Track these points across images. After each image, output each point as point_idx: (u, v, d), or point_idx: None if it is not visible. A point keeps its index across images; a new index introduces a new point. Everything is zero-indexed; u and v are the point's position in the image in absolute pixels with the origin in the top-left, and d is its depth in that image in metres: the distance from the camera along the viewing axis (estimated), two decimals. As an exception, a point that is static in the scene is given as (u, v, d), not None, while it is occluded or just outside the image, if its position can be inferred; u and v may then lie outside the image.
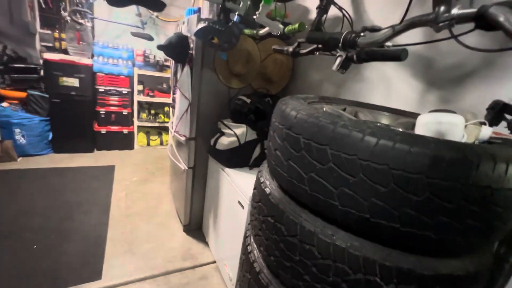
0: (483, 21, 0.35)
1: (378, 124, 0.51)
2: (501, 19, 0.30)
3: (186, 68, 1.56)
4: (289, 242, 0.64)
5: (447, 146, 0.46)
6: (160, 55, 3.45)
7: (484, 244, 0.55)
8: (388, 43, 0.56)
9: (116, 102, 3.20)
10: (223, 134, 1.52)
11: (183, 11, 1.86)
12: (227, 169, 1.49)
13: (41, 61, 2.84)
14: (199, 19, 1.45)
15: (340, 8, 1.04)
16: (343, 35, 0.58)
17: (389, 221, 0.50)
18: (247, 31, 1.38)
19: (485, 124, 0.63)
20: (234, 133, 1.46)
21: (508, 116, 0.68)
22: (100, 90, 3.07)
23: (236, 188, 1.36)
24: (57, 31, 3.00)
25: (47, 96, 2.79)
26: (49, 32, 2.97)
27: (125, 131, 3.34)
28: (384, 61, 0.56)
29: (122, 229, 1.91)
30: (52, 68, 2.76)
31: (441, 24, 0.43)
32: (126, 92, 3.22)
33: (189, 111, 1.61)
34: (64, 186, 2.34)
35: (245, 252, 0.89)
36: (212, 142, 1.57)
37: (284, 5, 1.61)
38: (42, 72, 2.81)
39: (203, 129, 1.68)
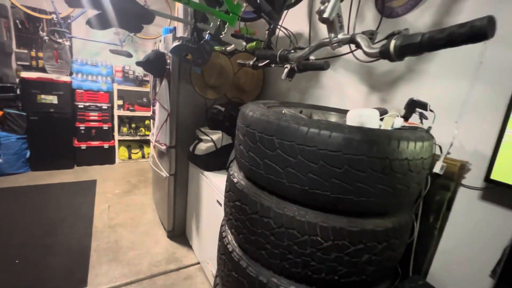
0: (354, 42, 0.53)
1: (310, 118, 0.67)
2: (359, 39, 0.48)
3: (164, 82, 1.70)
4: (252, 218, 0.78)
5: (356, 130, 0.63)
6: (139, 71, 3.55)
7: (398, 205, 0.72)
8: (312, 57, 0.74)
9: (96, 118, 3.24)
10: (201, 140, 1.65)
11: (160, 29, 2.00)
12: (206, 173, 1.62)
13: (17, 80, 2.86)
14: (175, 38, 1.60)
15: (286, 30, 1.24)
16: (279, 52, 0.76)
17: (322, 190, 0.66)
18: (217, 48, 1.54)
19: (398, 116, 0.82)
20: (211, 139, 1.60)
21: (418, 110, 0.88)
22: (79, 106, 3.11)
23: (215, 188, 1.49)
24: (34, 50, 3.03)
25: (25, 114, 2.79)
26: (25, 51, 3.00)
27: (106, 145, 3.37)
28: (314, 70, 0.73)
29: (106, 239, 1.95)
30: (29, 86, 2.78)
31: (333, 45, 0.60)
32: (106, 107, 3.27)
33: (168, 121, 1.74)
34: (46, 203, 2.34)
35: (220, 239, 1.01)
36: (191, 148, 1.69)
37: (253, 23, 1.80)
38: (18, 91, 2.82)
39: (182, 138, 1.80)
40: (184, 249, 1.93)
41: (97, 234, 1.99)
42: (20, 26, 2.91)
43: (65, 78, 2.96)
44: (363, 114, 0.74)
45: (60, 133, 3.01)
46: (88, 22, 0.91)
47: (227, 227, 1.00)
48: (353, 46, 0.58)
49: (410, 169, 0.67)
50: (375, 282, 0.79)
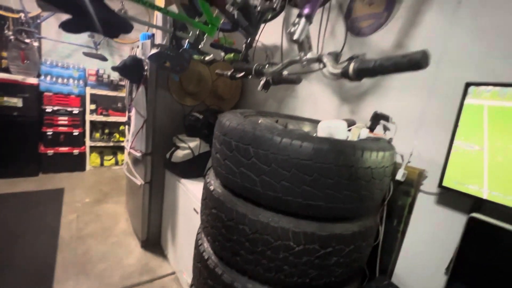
0: (321, 62, 0.58)
1: (285, 127, 0.71)
2: (325, 60, 0.54)
3: (141, 88, 1.68)
4: (228, 226, 0.79)
5: (325, 141, 0.68)
6: (115, 75, 3.45)
7: (363, 210, 0.78)
8: (285, 72, 0.79)
9: (65, 122, 3.08)
10: (178, 147, 1.64)
11: (138, 34, 1.98)
12: (183, 180, 1.60)
13: (-24, 81, 2.64)
14: (153, 45, 1.60)
15: (264, 46, 1.30)
16: (254, 67, 0.80)
17: (294, 197, 0.70)
18: (196, 56, 1.56)
19: (363, 127, 0.89)
20: (188, 146, 1.59)
21: (382, 122, 0.96)
22: (47, 110, 2.94)
23: (192, 196, 1.48)
24: (-4, 50, 2.83)
25: (-16, 117, 2.58)
26: (-14, 50, 2.80)
27: (76, 151, 3.20)
28: (287, 84, 0.78)
29: (74, 251, 1.84)
30: (-10, 87, 2.59)
31: (302, 63, 0.66)
32: (77, 112, 3.12)
33: (145, 128, 1.71)
34: (5, 214, 2.16)
35: (196, 246, 1.02)
36: (167, 155, 1.67)
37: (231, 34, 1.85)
38: (-23, 92, 2.61)
39: (159, 144, 1.78)
40: (158, 259, 1.87)
41: (64, 247, 1.87)
42: (-18, 24, 2.71)
43: (31, 80, 2.79)
44: (332, 125, 0.80)
45: (24, 138, 2.82)
46: (61, 26, 0.90)
47: (203, 235, 1.00)
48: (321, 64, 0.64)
49: (373, 176, 0.73)
50: (343, 284, 0.84)
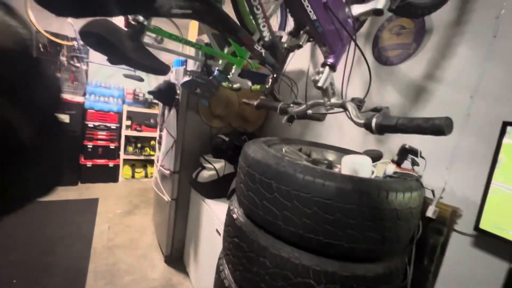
0: (345, 108, 0.60)
1: (305, 164, 0.73)
2: (348, 107, 0.55)
3: (173, 110, 1.79)
4: (249, 257, 0.81)
5: (348, 180, 0.68)
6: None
7: (388, 252, 0.75)
8: (309, 111, 0.81)
9: (104, 137, 3.35)
10: (204, 168, 1.71)
11: (172, 58, 2.14)
12: (207, 200, 1.65)
13: (34, 99, 3.01)
14: (185, 72, 1.72)
15: (290, 79, 1.34)
16: (279, 106, 0.84)
17: (315, 234, 0.70)
18: (224, 84, 1.65)
19: (389, 163, 0.87)
20: (213, 167, 1.65)
21: (410, 156, 0.93)
22: (89, 125, 3.23)
23: (214, 217, 1.52)
24: (52, 72, 3.22)
25: (37, 131, 2.90)
26: (44, 72, 3.18)
27: (111, 164, 3.44)
28: (311, 120, 0.81)
29: (105, 261, 1.95)
30: (44, 105, 2.93)
31: (326, 108, 0.68)
32: (114, 127, 3.39)
33: (174, 148, 1.81)
34: (47, 220, 2.37)
35: (217, 272, 1.04)
36: (194, 175, 1.74)
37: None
38: (34, 109, 2.96)
39: (186, 164, 1.86)
40: (180, 276, 1.91)
41: (95, 256, 2.00)
42: (42, 50, 3.12)
43: (78, 99, 3.11)
44: (356, 161, 0.80)
45: (68, 150, 3.11)
46: (109, 60, 1.02)
47: (224, 261, 1.02)
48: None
49: (399, 218, 0.71)
50: (367, 328, 0.80)
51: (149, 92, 1.82)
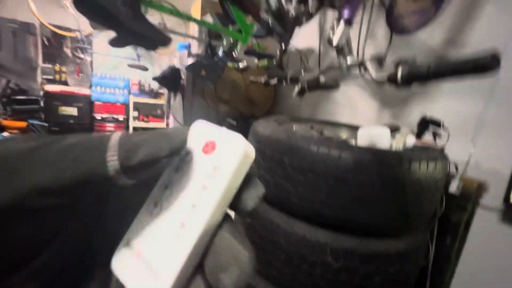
0: (364, 66, 0.54)
1: (319, 136, 0.68)
2: (368, 65, 0.50)
3: (179, 97, 1.76)
4: (263, 236, 0.78)
5: (366, 151, 0.63)
6: (155, 84, 3.69)
7: (410, 227, 0.70)
8: (322, 79, 0.75)
9: (112, 129, 3.36)
10: (212, 153, 1.68)
11: (175, 43, 2.09)
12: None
13: (41, 93, 3.03)
14: (189, 55, 1.67)
15: (298, 51, 1.26)
16: (289, 73, 0.78)
17: (333, 210, 0.66)
18: (230, 64, 1.59)
19: (409, 134, 0.81)
20: (222, 152, 1.62)
21: (431, 128, 0.86)
22: (97, 117, 3.24)
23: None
24: (57, 65, 3.22)
25: (47, 125, 2.93)
26: (50, 66, 3.19)
27: (121, 155, 3.47)
28: (324, 90, 0.75)
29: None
30: (52, 98, 2.94)
31: (343, 70, 0.62)
32: (122, 119, 3.39)
33: (182, 134, 1.78)
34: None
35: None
36: (202, 161, 1.72)
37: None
38: (42, 103, 2.98)
39: (195, 150, 1.84)
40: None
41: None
42: (46, 43, 3.11)
43: (85, 91, 3.11)
44: (373, 132, 0.74)
45: (78, 143, 3.14)
46: (110, 42, 0.97)
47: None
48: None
49: (423, 190, 0.65)
50: (388, 307, 0.77)
51: (154, 79, 1.79)
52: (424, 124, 0.86)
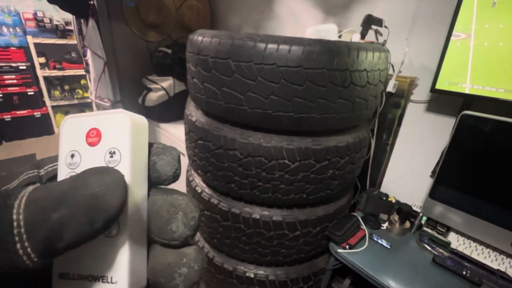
0: None
1: (266, 34, 0.60)
2: None
3: (91, 22, 1.40)
4: (217, 154, 0.74)
5: (316, 42, 0.59)
6: (59, 17, 2.91)
7: (356, 120, 0.74)
8: None
9: (14, 81, 2.68)
10: (150, 90, 1.48)
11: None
12: (162, 125, 1.50)
13: None
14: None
15: None
16: None
17: (285, 111, 0.63)
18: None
19: (355, 32, 0.79)
20: (161, 87, 1.44)
21: (373, 27, 0.86)
22: (-13, 68, 2.51)
23: (176, 140, 1.40)
24: None
25: None
26: None
27: (37, 114, 2.89)
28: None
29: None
30: None
31: None
32: (24, 68, 2.70)
33: (107, 72, 1.50)
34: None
35: (188, 184, 0.98)
36: (140, 101, 1.52)
37: None
38: None
39: (127, 89, 1.60)
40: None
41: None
42: None
43: (-47, 32, 2.29)
44: (321, 29, 0.70)
45: (-31, 104, 2.46)
46: None
47: (192, 171, 0.96)
48: None
49: (369, 81, 0.67)
50: (338, 196, 0.86)
51: (50, 1, 1.36)
52: (368, 22, 0.84)
